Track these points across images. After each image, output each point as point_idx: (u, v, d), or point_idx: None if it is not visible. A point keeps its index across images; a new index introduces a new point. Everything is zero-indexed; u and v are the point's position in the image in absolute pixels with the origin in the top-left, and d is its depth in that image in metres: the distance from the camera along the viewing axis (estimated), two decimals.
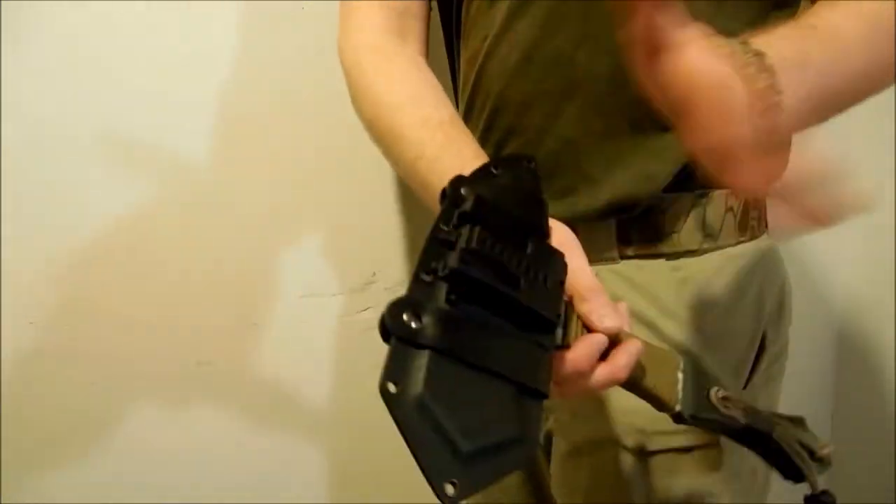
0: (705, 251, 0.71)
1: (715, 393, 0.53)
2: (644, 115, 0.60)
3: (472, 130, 0.72)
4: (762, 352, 0.75)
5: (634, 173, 0.68)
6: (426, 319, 0.42)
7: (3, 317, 1.01)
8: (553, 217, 0.60)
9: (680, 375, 0.52)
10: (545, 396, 0.45)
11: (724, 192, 0.71)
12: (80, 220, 1.01)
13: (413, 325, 0.41)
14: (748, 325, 0.73)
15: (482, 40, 0.72)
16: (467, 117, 0.76)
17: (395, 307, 0.42)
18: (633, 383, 0.51)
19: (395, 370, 0.40)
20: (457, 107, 0.77)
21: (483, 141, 0.72)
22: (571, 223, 0.61)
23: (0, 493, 1.06)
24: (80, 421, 1.08)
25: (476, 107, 0.75)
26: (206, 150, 1.01)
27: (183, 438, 1.12)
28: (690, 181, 0.69)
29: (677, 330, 0.70)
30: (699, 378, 0.53)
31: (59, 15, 0.94)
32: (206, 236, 1.04)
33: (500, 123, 0.72)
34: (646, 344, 0.52)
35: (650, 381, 0.51)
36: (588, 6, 0.65)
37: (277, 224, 1.06)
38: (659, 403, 0.52)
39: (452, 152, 0.64)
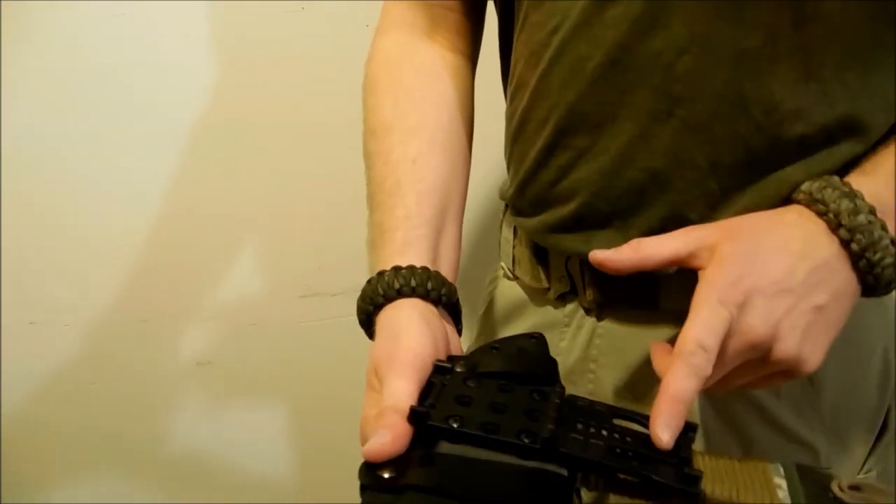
0: None
1: (838, 486, 0.42)
2: (764, 146, 0.49)
3: (526, 149, 0.59)
4: (883, 432, 0.61)
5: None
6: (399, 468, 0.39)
7: (3, 317, 1.01)
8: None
9: (780, 481, 0.42)
10: None
11: None
12: (80, 221, 1.01)
13: (386, 475, 0.38)
14: (872, 402, 0.60)
15: (550, 33, 0.54)
16: (520, 132, 0.59)
17: (367, 465, 0.39)
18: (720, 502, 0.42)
19: None
20: (508, 120, 0.63)
21: (541, 165, 0.57)
22: (652, 276, 0.53)
23: (0, 493, 1.06)
24: (79, 420, 1.08)
25: (534, 119, 0.57)
26: (205, 149, 1.01)
27: (183, 438, 1.12)
28: None
29: (783, 412, 0.56)
30: (812, 476, 0.43)
31: (59, 15, 0.94)
32: (206, 236, 1.04)
33: (570, 142, 0.55)
34: (725, 460, 0.44)
35: (738, 495, 0.41)
36: (703, 1, 0.48)
37: (277, 224, 1.06)
38: None
39: (386, 212, 0.56)
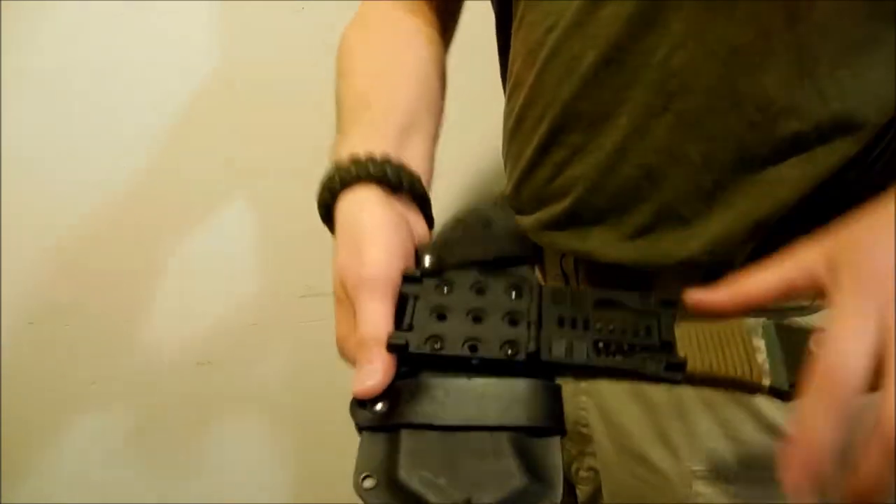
0: (819, 307, 0.51)
1: (816, 342, 0.37)
2: (755, 141, 0.50)
3: (523, 147, 0.59)
4: None
5: (737, 216, 0.51)
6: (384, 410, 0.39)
7: (3, 317, 1.01)
8: (623, 263, 0.53)
9: (759, 343, 0.40)
10: (559, 432, 0.39)
11: None
12: (80, 221, 1.01)
13: (379, 408, 0.39)
14: (868, 401, 0.57)
15: (546, 31, 0.55)
16: (516, 130, 0.60)
17: (358, 402, 0.39)
18: (702, 376, 0.40)
19: (366, 461, 0.38)
20: (506, 118, 0.63)
21: (537, 162, 0.58)
22: (646, 272, 0.53)
23: (0, 492, 1.06)
24: (79, 421, 1.08)
25: (531, 117, 0.58)
26: (205, 149, 1.01)
27: (183, 438, 1.12)
28: (810, 215, 0.50)
29: (779, 416, 0.54)
30: (793, 335, 0.40)
31: (59, 15, 0.94)
32: (206, 236, 1.04)
33: (566, 140, 0.55)
34: (705, 324, 0.41)
35: (720, 365, 0.39)
36: None
37: (277, 224, 1.06)
38: (743, 386, 0.40)
39: (352, 124, 0.53)
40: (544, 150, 0.57)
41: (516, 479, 0.36)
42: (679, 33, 0.49)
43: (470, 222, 0.46)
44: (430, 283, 0.42)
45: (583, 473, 0.64)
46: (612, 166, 0.54)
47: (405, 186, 0.48)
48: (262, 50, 0.99)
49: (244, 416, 1.13)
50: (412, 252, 0.46)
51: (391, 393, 0.39)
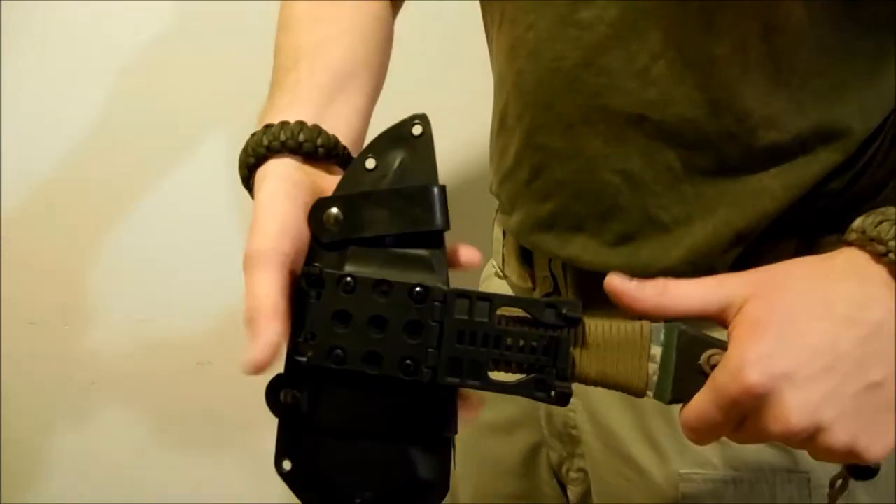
0: None
1: (707, 359, 0.39)
2: (736, 153, 0.49)
3: (506, 145, 0.58)
4: None
5: (718, 225, 0.51)
6: (300, 396, 0.42)
7: (3, 317, 1.01)
8: (606, 270, 0.53)
9: (655, 350, 0.41)
10: (447, 439, 0.43)
11: (836, 237, 0.51)
12: (79, 221, 1.01)
13: (291, 398, 0.42)
14: None
15: (526, 28, 0.54)
16: (501, 127, 0.59)
17: (271, 384, 0.42)
18: (594, 379, 0.42)
19: (284, 447, 0.43)
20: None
21: (517, 162, 0.57)
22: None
23: (0, 493, 1.06)
24: (79, 421, 1.08)
25: (512, 115, 0.57)
26: (205, 148, 1.01)
27: (183, 438, 1.12)
28: (793, 223, 0.51)
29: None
30: (692, 345, 0.40)
31: (58, 15, 0.94)
32: (207, 236, 1.04)
33: (544, 142, 0.54)
34: (612, 321, 0.42)
35: (613, 368, 0.41)
36: (676, 7, 0.48)
37: None
38: (629, 391, 0.42)
39: (280, 86, 0.52)
40: (524, 150, 0.56)
41: (408, 478, 0.42)
42: (659, 42, 0.48)
43: (380, 170, 0.44)
44: (331, 278, 0.41)
45: (573, 474, 0.64)
46: (591, 171, 0.53)
47: (321, 154, 0.47)
48: (262, 50, 0.99)
49: (244, 416, 1.13)
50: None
51: (303, 382, 0.41)
